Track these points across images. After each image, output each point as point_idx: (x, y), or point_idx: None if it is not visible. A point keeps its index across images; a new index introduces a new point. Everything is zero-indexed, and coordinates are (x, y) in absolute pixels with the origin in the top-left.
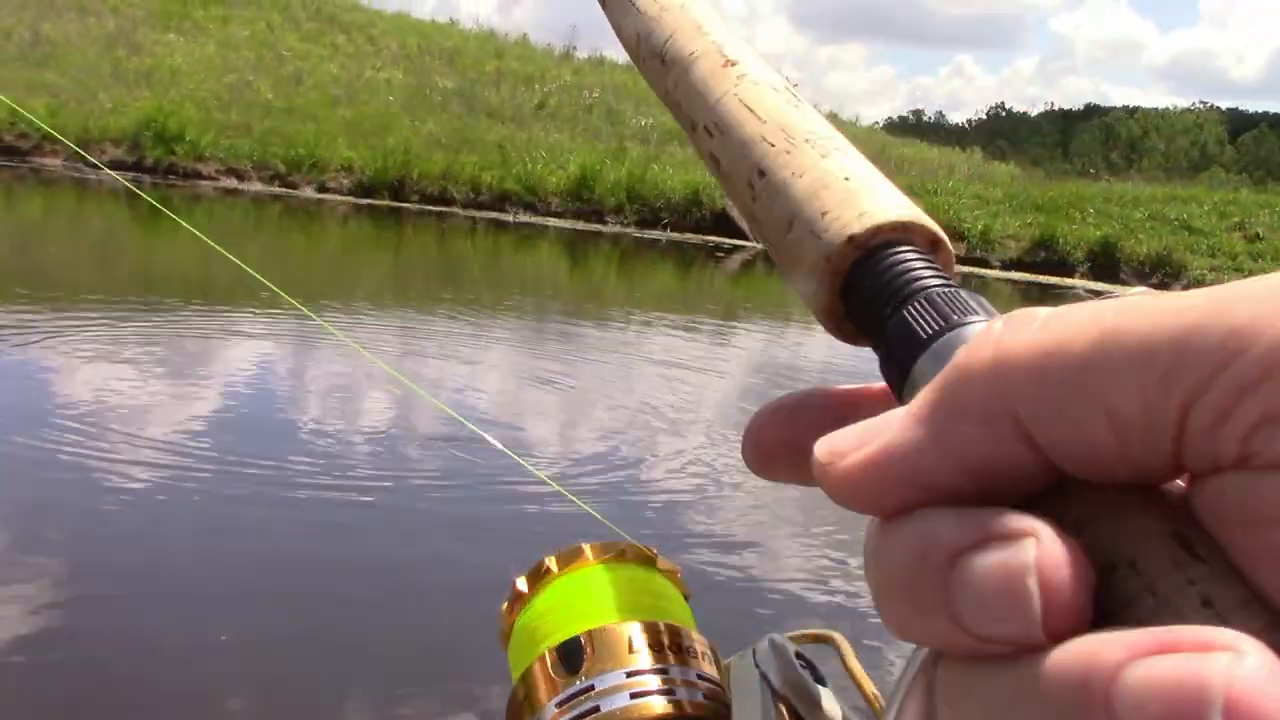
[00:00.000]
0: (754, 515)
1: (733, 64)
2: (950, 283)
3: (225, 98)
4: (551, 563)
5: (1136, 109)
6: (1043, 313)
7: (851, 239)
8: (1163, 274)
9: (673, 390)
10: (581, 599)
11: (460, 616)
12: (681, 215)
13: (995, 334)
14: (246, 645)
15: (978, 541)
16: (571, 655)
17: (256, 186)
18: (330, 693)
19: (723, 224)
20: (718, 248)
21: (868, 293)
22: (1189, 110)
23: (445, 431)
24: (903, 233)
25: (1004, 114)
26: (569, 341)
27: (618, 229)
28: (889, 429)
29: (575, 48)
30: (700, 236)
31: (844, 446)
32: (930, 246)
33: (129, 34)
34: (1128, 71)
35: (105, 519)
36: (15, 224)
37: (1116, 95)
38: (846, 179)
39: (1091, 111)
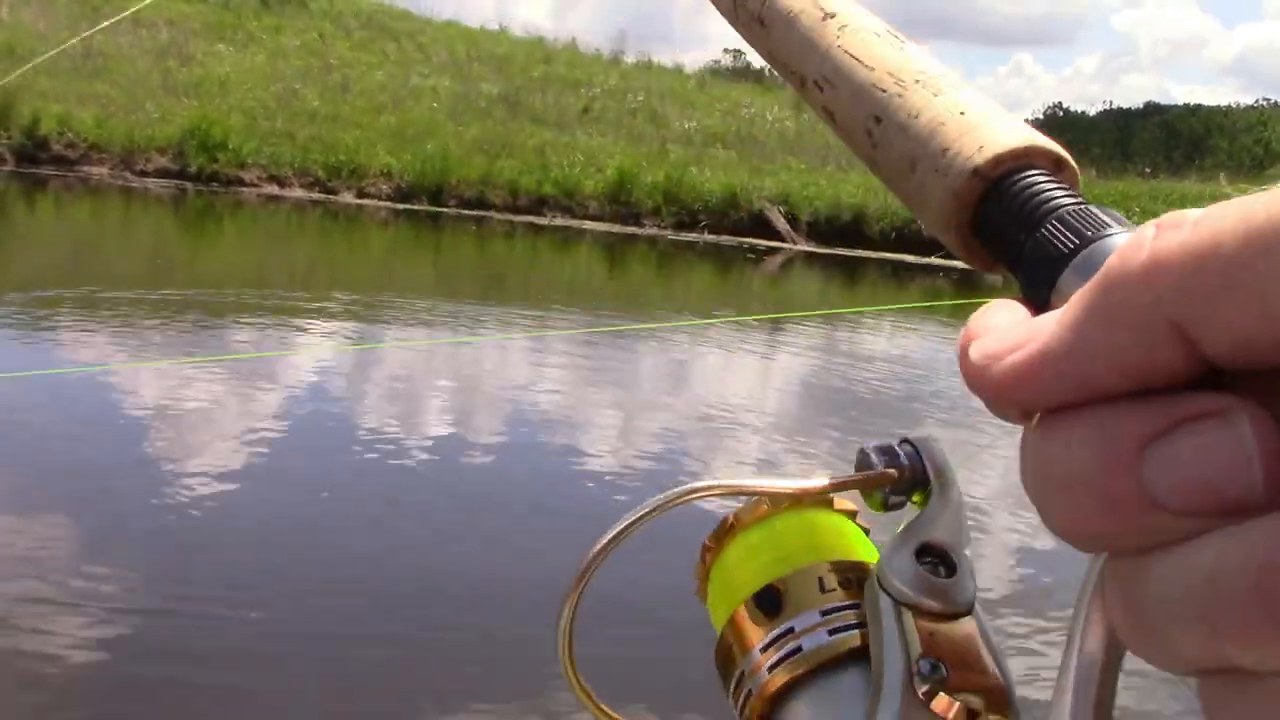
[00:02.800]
0: None
1: (831, 16)
2: (1080, 200)
3: (272, 106)
4: (734, 517)
5: (1198, 107)
6: (1194, 214)
7: (975, 171)
8: None
9: (738, 388)
10: (769, 548)
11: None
12: (719, 218)
13: (1148, 238)
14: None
15: (1174, 424)
16: (769, 602)
17: (297, 193)
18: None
19: (760, 226)
20: (752, 249)
21: (1000, 221)
22: (1253, 107)
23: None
24: (1025, 158)
25: (1062, 113)
26: (620, 343)
27: (654, 231)
28: (1043, 333)
29: (624, 52)
30: (737, 239)
31: (998, 348)
32: (1054, 166)
33: (181, 45)
34: (1191, 69)
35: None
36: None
37: (1180, 93)
38: (962, 113)
39: (1151, 110)
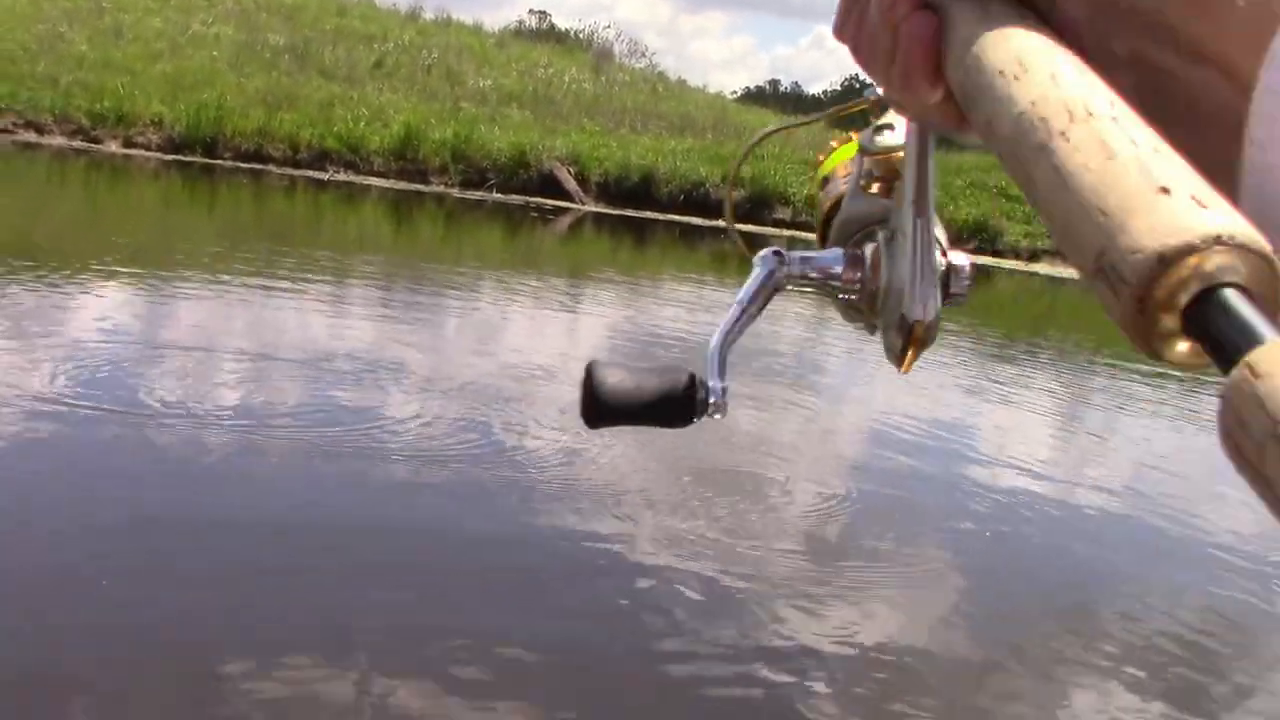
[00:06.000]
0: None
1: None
2: None
3: (34, 49)
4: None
5: None
6: None
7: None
8: (980, 239)
9: (542, 344)
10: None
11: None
12: (508, 177)
13: None
14: None
15: None
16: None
17: (58, 140)
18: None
19: (549, 186)
20: (539, 209)
21: None
22: None
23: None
24: None
25: (857, 85)
26: (412, 303)
27: (441, 189)
28: None
29: (422, 8)
30: (525, 198)
31: None
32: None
33: None
34: None
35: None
36: None
37: None
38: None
39: None
